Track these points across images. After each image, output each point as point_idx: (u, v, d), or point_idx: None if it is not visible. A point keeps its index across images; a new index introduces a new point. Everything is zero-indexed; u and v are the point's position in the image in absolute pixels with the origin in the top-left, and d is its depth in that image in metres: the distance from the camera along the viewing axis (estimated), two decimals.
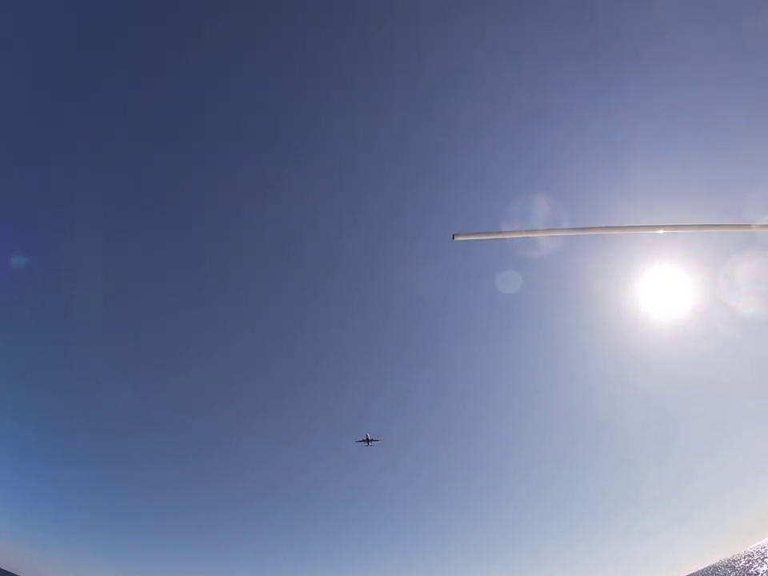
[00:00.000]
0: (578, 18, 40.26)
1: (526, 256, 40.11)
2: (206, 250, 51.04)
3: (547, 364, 47.76)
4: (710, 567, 45.94)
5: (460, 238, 8.14)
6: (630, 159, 41.23)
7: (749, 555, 44.07)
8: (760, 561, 43.20)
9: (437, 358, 52.74)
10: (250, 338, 52.83)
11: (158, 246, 50.60)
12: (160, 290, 51.36)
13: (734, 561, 44.35)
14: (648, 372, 42.65)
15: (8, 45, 40.38)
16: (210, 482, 50.80)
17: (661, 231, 8.42)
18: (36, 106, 44.13)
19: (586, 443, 47.96)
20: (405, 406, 53.29)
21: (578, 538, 46.41)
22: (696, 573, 44.76)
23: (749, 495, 40.65)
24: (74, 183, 47.04)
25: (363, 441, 48.82)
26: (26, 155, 45.65)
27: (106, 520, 47.95)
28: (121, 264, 49.44)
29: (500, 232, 8.46)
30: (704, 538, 40.73)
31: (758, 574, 40.17)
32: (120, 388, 50.22)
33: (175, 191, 50.24)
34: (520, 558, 49.48)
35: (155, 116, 46.58)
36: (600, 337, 43.43)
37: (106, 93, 45.29)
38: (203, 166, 48.78)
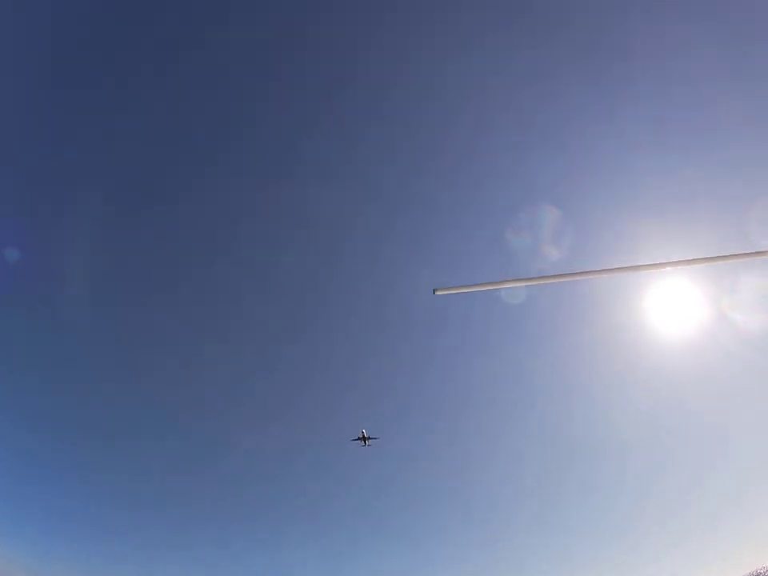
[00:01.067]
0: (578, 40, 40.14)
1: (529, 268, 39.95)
2: (206, 248, 50.34)
3: (550, 376, 46.98)
4: None
5: (441, 292, 8.01)
6: (630, 194, 40.88)
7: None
8: None
9: (439, 364, 51.25)
10: (248, 340, 51.75)
11: (157, 247, 50.06)
12: (160, 291, 50.66)
13: None
14: (653, 388, 42.05)
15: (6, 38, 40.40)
16: (203, 486, 49.39)
17: (668, 269, 8.14)
18: (32, 97, 43.85)
19: (588, 457, 47.10)
20: (404, 407, 50.83)
21: (581, 560, 45.43)
22: None
23: (757, 512, 39.87)
24: (74, 180, 46.65)
25: (359, 439, 45.18)
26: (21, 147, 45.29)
27: (100, 532, 46.64)
28: (119, 263, 48.94)
29: (483, 284, 8.30)
30: (712, 558, 39.87)
31: None
32: (114, 391, 49.34)
33: (174, 190, 49.82)
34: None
35: (157, 113, 46.30)
36: (602, 351, 42.88)
37: (106, 88, 45.10)
38: (202, 164, 48.29)
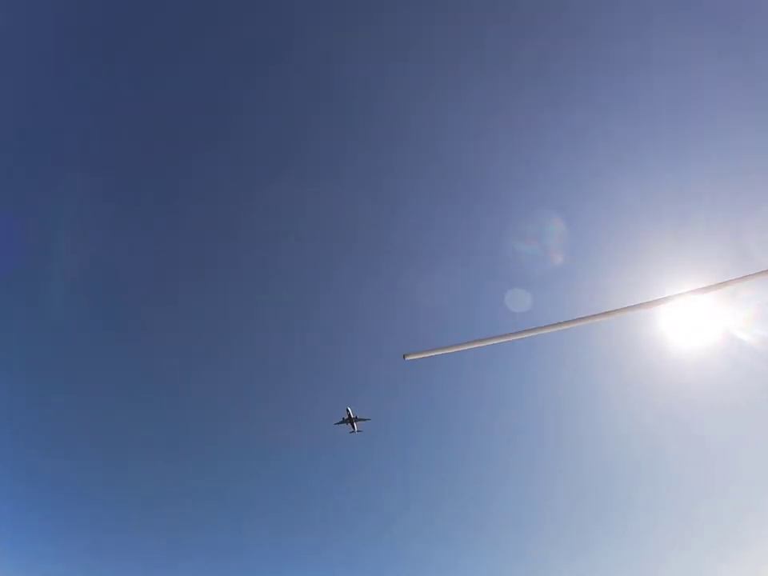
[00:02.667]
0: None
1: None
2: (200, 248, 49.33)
3: (557, 391, 45.69)
4: None
5: (411, 357, 7.79)
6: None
7: None
8: None
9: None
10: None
11: (154, 248, 49.59)
12: (151, 289, 49.84)
13: None
14: (666, 414, 40.92)
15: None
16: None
17: (673, 301, 7.78)
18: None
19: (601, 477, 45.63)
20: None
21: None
22: None
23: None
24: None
25: (344, 422, 36.79)
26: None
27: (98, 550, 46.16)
28: (115, 262, 48.53)
29: (454, 345, 8.03)
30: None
31: None
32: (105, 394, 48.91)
33: (170, 187, 49.40)
34: None
35: (152, 111, 46.28)
36: (610, 367, 41.82)
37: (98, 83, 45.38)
38: (199, 166, 48.05)
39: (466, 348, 7.98)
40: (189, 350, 49.52)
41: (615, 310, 7.87)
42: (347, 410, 36.83)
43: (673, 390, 38.92)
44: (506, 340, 8.23)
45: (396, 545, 46.40)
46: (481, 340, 8.06)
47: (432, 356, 7.82)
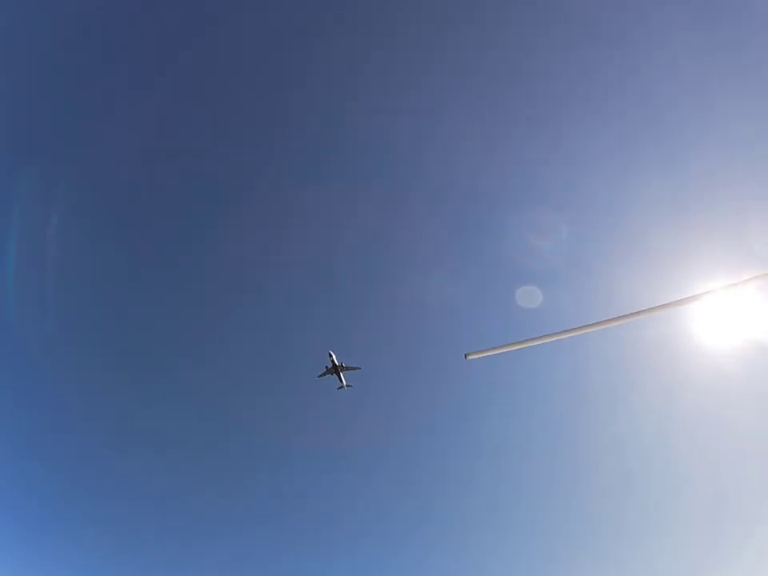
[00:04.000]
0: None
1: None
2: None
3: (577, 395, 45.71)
4: None
5: (472, 357, 7.74)
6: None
7: None
8: None
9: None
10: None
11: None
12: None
13: None
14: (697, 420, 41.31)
15: None
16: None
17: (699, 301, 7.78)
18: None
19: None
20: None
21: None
22: None
23: None
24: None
25: (329, 372, 29.06)
26: None
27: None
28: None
29: (513, 343, 8.00)
30: None
31: None
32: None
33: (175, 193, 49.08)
34: None
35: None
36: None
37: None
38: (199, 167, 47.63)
39: (526, 346, 7.97)
40: (198, 349, 48.92)
41: (645, 310, 7.91)
42: (330, 356, 28.73)
43: (699, 389, 39.53)
44: (550, 340, 8.23)
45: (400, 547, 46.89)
46: (541, 337, 8.05)
47: (492, 354, 7.80)
